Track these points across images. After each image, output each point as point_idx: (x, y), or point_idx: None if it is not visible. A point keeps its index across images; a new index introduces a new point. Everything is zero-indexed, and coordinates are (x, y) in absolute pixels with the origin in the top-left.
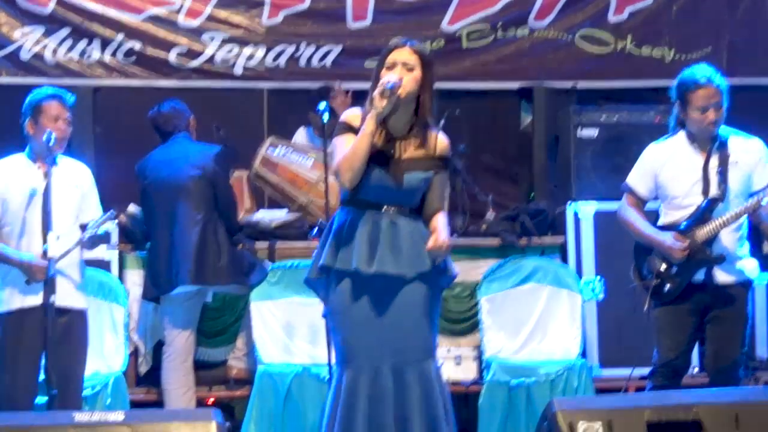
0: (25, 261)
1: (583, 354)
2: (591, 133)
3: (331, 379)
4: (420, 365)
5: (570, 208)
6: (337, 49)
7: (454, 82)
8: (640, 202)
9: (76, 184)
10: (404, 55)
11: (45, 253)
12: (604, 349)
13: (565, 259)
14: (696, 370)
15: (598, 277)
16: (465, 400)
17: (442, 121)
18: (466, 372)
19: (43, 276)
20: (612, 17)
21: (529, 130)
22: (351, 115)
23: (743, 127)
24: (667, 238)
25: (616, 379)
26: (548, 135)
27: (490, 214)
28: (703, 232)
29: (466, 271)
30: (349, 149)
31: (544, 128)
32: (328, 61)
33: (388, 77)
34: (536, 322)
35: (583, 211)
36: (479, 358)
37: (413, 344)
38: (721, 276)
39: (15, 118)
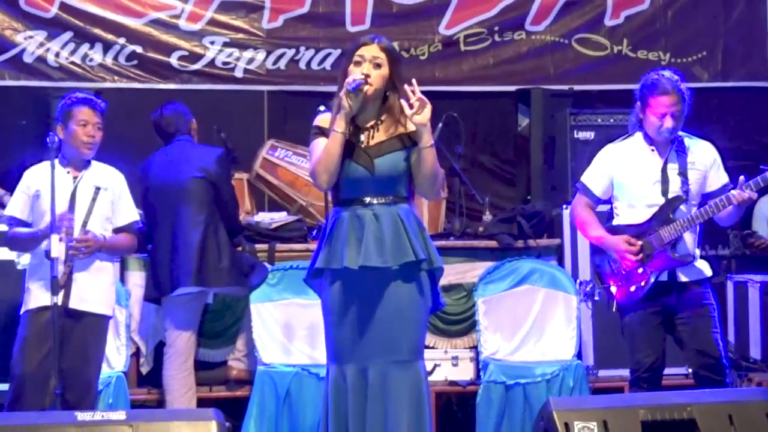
0: (46, 229)
1: (579, 355)
2: (587, 135)
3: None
4: (409, 367)
5: (566, 211)
6: (336, 53)
7: (452, 85)
8: (592, 203)
9: (106, 187)
10: (372, 51)
11: (47, 253)
12: (600, 350)
13: (561, 261)
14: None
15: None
16: (462, 400)
17: (440, 125)
18: (464, 372)
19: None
20: (608, 21)
21: (526, 132)
22: (323, 118)
23: (737, 129)
24: (619, 243)
25: (611, 380)
26: (545, 137)
27: (487, 216)
28: (667, 233)
29: (462, 273)
30: (321, 151)
31: (540, 130)
32: (327, 64)
33: (352, 77)
34: (532, 323)
35: None
36: (476, 358)
37: (401, 345)
38: (684, 276)
39: (18, 119)
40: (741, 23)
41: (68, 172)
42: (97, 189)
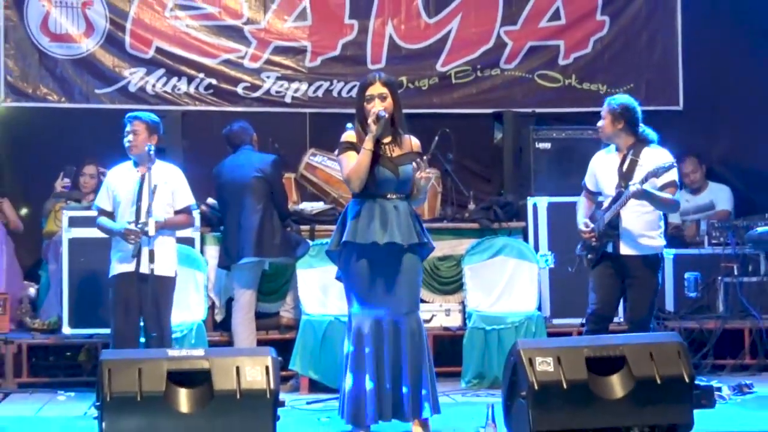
0: (122, 229)
1: (539, 308)
2: (546, 146)
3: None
4: (412, 315)
5: (530, 201)
6: None
7: (445, 108)
8: (590, 195)
9: (166, 181)
10: (377, 89)
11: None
12: (554, 304)
13: (526, 238)
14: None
15: (550, 251)
16: (453, 341)
17: (436, 138)
18: (454, 321)
19: (136, 237)
20: (561, 61)
21: (500, 143)
22: (349, 135)
23: (658, 143)
24: (580, 223)
25: (563, 326)
26: (514, 147)
27: (471, 205)
28: (606, 216)
29: (453, 246)
30: (355, 163)
31: (511, 142)
32: (353, 93)
33: (377, 108)
34: (505, 284)
35: (539, 204)
36: (463, 310)
37: (407, 299)
38: (625, 249)
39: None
40: (659, 62)
41: (138, 171)
42: (156, 186)
